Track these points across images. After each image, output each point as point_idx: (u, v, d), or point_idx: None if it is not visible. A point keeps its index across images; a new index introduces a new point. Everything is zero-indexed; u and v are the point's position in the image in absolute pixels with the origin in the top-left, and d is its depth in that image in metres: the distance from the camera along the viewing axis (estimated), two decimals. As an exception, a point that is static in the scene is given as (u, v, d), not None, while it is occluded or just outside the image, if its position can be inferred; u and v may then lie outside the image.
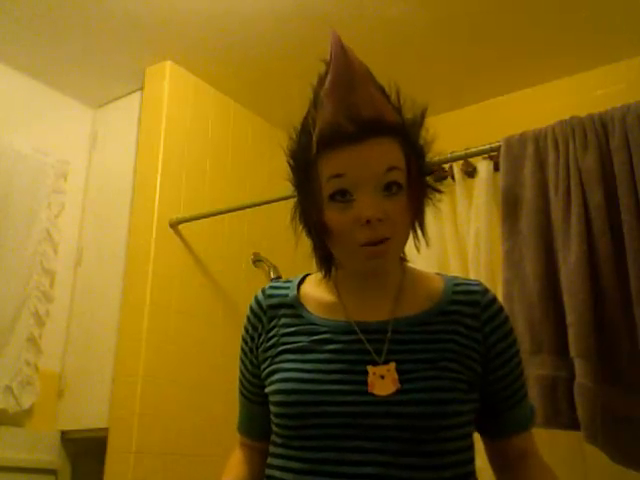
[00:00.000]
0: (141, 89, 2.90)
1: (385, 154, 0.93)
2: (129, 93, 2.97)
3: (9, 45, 2.67)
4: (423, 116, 1.00)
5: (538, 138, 2.01)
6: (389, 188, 0.93)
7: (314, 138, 0.94)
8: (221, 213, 2.70)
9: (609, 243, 1.82)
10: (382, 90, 0.98)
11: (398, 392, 0.91)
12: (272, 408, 0.99)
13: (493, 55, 2.69)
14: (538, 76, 2.80)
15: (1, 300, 2.52)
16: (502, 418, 1.03)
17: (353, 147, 0.92)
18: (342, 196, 0.93)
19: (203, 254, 2.78)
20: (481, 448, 1.06)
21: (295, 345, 0.99)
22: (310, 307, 1.04)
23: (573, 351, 1.77)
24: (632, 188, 1.81)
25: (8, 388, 2.46)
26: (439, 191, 1.03)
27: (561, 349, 1.81)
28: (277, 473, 0.97)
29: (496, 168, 2.15)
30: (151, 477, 2.36)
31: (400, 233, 0.96)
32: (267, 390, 1.01)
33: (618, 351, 1.77)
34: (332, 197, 0.93)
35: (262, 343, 1.05)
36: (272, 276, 2.82)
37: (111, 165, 2.95)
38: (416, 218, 1.00)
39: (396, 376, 0.92)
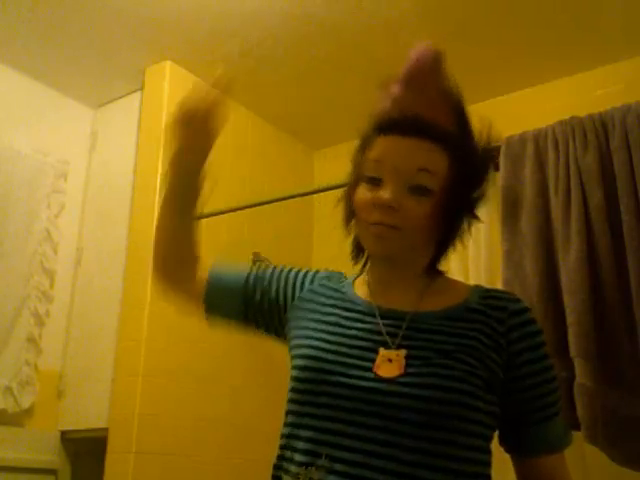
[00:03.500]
0: (141, 89, 2.89)
1: (422, 154, 0.99)
2: (129, 93, 2.97)
3: (9, 45, 2.67)
4: (488, 140, 1.06)
5: (538, 138, 2.01)
6: (416, 190, 0.98)
7: (374, 120, 1.04)
8: (221, 213, 2.69)
9: (609, 243, 1.81)
10: (456, 104, 1.07)
11: (406, 374, 0.93)
12: (292, 372, 1.01)
13: (493, 55, 2.69)
14: (538, 76, 2.80)
15: (1, 300, 2.51)
16: (529, 433, 0.99)
17: (397, 138, 1.00)
18: (374, 179, 1.00)
19: (203, 254, 2.76)
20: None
21: (329, 318, 1.04)
22: (355, 287, 1.10)
23: (573, 351, 1.77)
24: (632, 188, 1.80)
25: (8, 388, 2.46)
26: (476, 218, 1.08)
27: (561, 349, 1.81)
28: (283, 441, 0.98)
29: (496, 168, 2.15)
30: (151, 477, 2.36)
31: (412, 230, 0.98)
32: (292, 353, 1.04)
33: (618, 351, 1.76)
34: (367, 178, 1.01)
35: (298, 298, 1.11)
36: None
37: (111, 165, 2.95)
38: (441, 230, 1.02)
39: (404, 362, 0.94)
